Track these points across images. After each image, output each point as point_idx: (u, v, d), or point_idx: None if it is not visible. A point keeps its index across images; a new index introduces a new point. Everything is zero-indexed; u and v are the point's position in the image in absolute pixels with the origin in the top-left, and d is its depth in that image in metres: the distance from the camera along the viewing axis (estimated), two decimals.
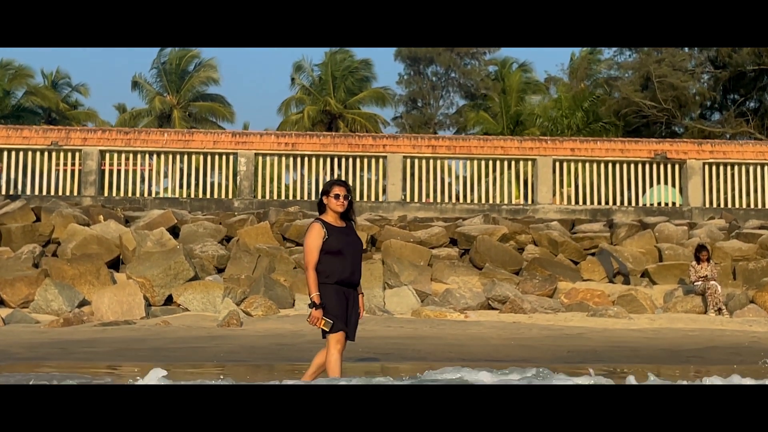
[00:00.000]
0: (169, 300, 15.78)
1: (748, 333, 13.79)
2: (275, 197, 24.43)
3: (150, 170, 24.24)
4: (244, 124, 49.55)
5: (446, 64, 47.56)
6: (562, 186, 24.28)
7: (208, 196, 23.47)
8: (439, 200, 23.36)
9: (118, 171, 23.64)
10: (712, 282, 16.44)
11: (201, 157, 23.40)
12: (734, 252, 18.90)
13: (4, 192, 22.35)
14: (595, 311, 15.56)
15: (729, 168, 23.65)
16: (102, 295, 14.92)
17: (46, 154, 22.81)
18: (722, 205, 23.32)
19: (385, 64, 73.23)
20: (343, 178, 20.40)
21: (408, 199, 23.26)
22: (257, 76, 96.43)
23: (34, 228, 18.82)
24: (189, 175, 23.67)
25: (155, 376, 5.18)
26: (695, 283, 16.72)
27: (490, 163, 23.73)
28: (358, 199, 22.19)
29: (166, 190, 23.99)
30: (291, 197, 23.97)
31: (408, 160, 23.25)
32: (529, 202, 23.72)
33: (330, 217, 6.67)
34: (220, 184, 24.85)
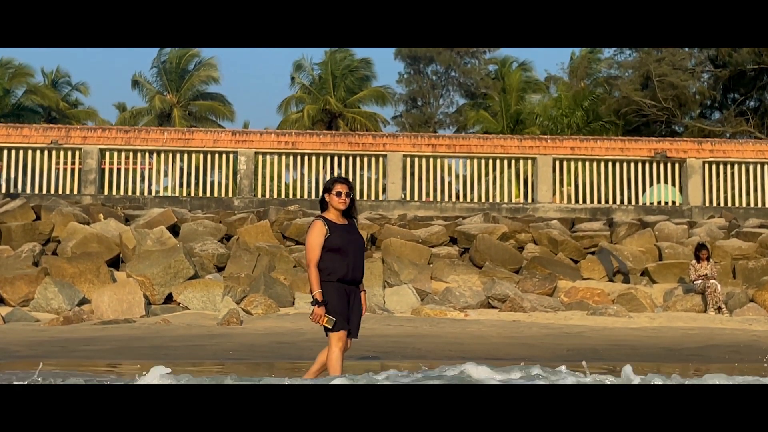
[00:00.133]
0: (169, 298, 15.78)
1: (748, 332, 13.80)
2: (275, 196, 24.43)
3: (150, 169, 24.25)
4: (244, 123, 49.55)
5: (446, 63, 47.54)
6: (562, 185, 24.28)
7: (208, 194, 23.47)
8: (439, 199, 23.37)
9: (118, 170, 23.65)
10: (712, 281, 16.45)
11: (201, 156, 23.40)
12: (734, 251, 18.91)
13: (4, 190, 22.35)
14: (595, 310, 15.57)
15: (729, 167, 23.65)
16: (102, 294, 14.92)
17: (46, 152, 22.81)
18: (722, 204, 23.32)
19: (385, 63, 73.25)
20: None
21: (408, 198, 23.27)
22: (257, 75, 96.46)
23: (34, 226, 18.83)
24: (189, 173, 23.67)
25: (156, 374, 5.18)
26: (695, 282, 16.73)
27: (490, 161, 23.74)
28: (358, 197, 22.19)
29: (166, 188, 23.99)
30: (291, 196, 23.98)
31: (408, 159, 23.26)
32: (529, 200, 23.72)
33: (332, 215, 6.67)
34: (220, 183, 24.86)
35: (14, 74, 41.88)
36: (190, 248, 17.40)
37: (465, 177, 25.04)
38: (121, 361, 9.52)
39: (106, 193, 22.99)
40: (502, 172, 23.86)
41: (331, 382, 5.24)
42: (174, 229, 19.14)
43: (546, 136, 26.16)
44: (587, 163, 23.70)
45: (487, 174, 24.06)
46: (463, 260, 18.67)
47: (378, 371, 6.42)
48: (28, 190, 22.50)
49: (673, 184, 23.67)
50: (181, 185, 23.99)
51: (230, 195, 23.76)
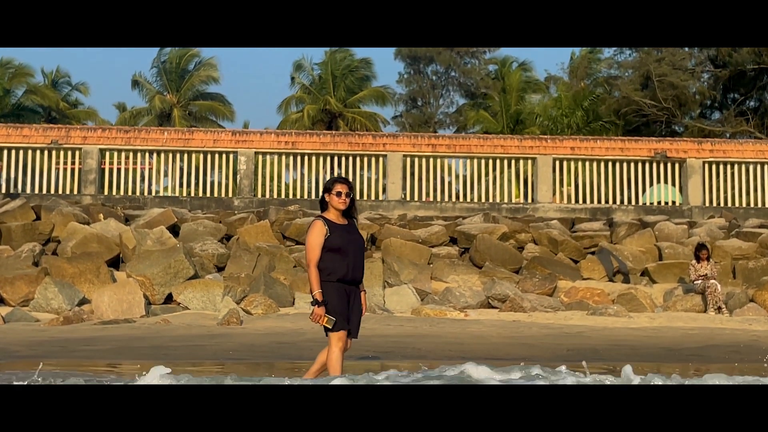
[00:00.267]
0: (169, 298, 15.78)
1: (748, 332, 13.80)
2: (275, 196, 24.44)
3: (150, 169, 24.25)
4: (244, 123, 49.55)
5: (446, 63, 47.54)
6: (562, 185, 24.28)
7: (208, 194, 23.47)
8: (439, 199, 23.37)
9: (118, 170, 23.65)
10: (712, 281, 16.45)
11: (201, 156, 23.40)
12: (734, 251, 18.91)
13: (4, 190, 22.35)
14: (595, 310, 15.57)
15: (729, 167, 23.65)
16: (102, 294, 14.92)
17: (46, 152, 22.81)
18: (722, 204, 23.32)
19: (385, 63, 73.27)
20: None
21: (408, 198, 23.27)
22: (257, 75, 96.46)
23: (34, 226, 18.83)
24: (189, 173, 23.66)
25: (156, 375, 5.18)
26: (695, 282, 16.73)
27: (490, 161, 23.74)
28: (358, 197, 22.19)
29: (166, 188, 23.99)
30: (291, 196, 23.98)
31: (408, 159, 23.26)
32: (529, 200, 23.72)
33: (332, 215, 6.67)
34: (220, 183, 24.86)
35: (14, 74, 41.89)
36: (190, 248, 17.40)
37: (465, 177, 25.05)
38: (121, 361, 9.52)
39: (106, 193, 22.99)
40: (502, 172, 23.86)
41: (331, 382, 5.24)
42: (174, 229, 19.15)
43: (546, 136, 26.16)
44: (587, 163, 23.70)
45: (487, 174, 24.06)
46: (463, 260, 18.67)
47: (378, 371, 6.42)
48: (28, 190, 22.50)
49: (673, 184, 23.67)
50: (181, 185, 23.99)
51: (230, 195, 23.76)
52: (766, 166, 23.46)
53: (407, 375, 5.88)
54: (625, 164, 23.45)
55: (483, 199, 23.55)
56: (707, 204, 23.15)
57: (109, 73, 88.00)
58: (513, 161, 23.87)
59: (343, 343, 6.53)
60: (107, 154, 23.54)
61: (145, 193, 23.54)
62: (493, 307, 16.13)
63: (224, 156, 23.65)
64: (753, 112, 34.45)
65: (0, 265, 16.45)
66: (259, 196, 23.03)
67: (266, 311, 14.66)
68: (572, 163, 24.03)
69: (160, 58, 43.49)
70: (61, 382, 5.80)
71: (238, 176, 23.08)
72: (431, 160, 23.53)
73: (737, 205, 23.36)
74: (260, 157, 23.34)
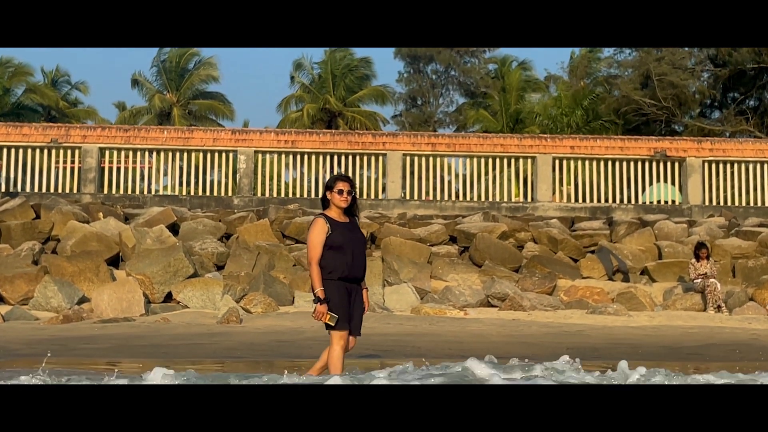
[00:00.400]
0: (168, 297, 15.78)
1: (748, 330, 13.80)
2: (275, 195, 24.42)
3: (150, 168, 24.24)
4: (243, 122, 49.53)
5: (446, 62, 47.54)
6: (561, 184, 24.28)
7: (207, 193, 23.46)
8: (438, 198, 23.36)
9: (118, 168, 23.64)
10: (712, 280, 16.45)
11: (201, 155, 23.39)
12: (734, 250, 18.91)
13: (3, 189, 22.34)
14: (595, 309, 15.57)
15: (729, 166, 23.65)
16: (101, 292, 14.92)
17: (45, 151, 22.80)
18: (722, 203, 23.32)
19: (384, 62, 73.29)
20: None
21: (408, 197, 23.26)
22: (257, 74, 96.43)
23: (33, 225, 18.82)
24: (189, 172, 23.65)
25: (158, 375, 5.18)
26: (695, 281, 16.73)
27: (490, 160, 23.73)
28: (357, 196, 22.16)
29: (165, 187, 23.98)
30: (291, 195, 23.97)
31: (408, 158, 23.25)
32: (529, 199, 23.72)
33: (333, 213, 6.66)
34: (219, 182, 24.86)
35: (14, 73, 41.87)
36: (189, 247, 17.40)
37: (465, 176, 25.04)
38: (120, 359, 9.51)
39: (105, 191, 22.98)
40: (501, 171, 23.86)
41: (327, 381, 5.24)
42: (173, 228, 19.14)
43: (546, 135, 26.15)
44: (587, 162, 23.69)
45: (486, 173, 24.05)
46: (462, 259, 18.67)
47: (379, 370, 6.41)
48: (28, 189, 22.49)
49: (673, 183, 23.67)
50: (180, 184, 23.98)
51: (230, 194, 23.76)
52: (765, 165, 23.46)
53: (410, 372, 5.87)
54: (624, 163, 23.44)
55: (483, 198, 23.55)
56: (707, 203, 23.15)
57: (108, 72, 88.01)
58: (513, 160, 23.87)
59: (344, 342, 6.53)
60: (107, 152, 23.53)
61: (145, 192, 23.53)
62: (492, 306, 16.13)
63: (224, 155, 23.64)
64: (753, 111, 34.44)
65: (0, 264, 16.45)
66: (259, 194, 23.03)
67: (266, 310, 14.65)
68: (572, 162, 24.02)
69: (159, 57, 43.46)
70: (67, 381, 5.79)
71: (237, 175, 23.07)
72: (431, 159, 23.53)
73: (737, 204, 23.36)
74: (260, 155, 23.33)
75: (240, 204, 22.21)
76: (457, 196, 25.03)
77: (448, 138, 24.71)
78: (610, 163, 23.48)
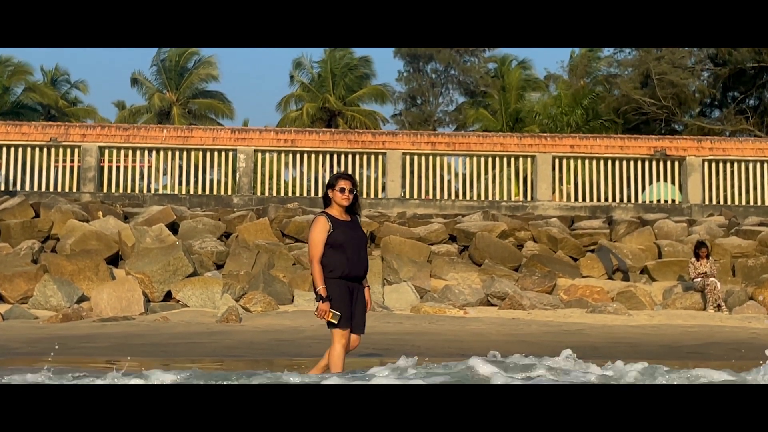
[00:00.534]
0: (168, 296, 15.77)
1: (748, 329, 13.79)
2: (274, 194, 24.40)
3: (149, 167, 24.22)
4: (243, 121, 49.48)
5: (446, 62, 47.53)
6: (561, 183, 24.27)
7: (207, 192, 23.46)
8: (438, 197, 23.36)
9: (117, 167, 23.63)
10: (712, 279, 16.44)
11: (200, 154, 23.36)
12: (733, 249, 18.90)
13: (3, 188, 22.33)
14: (594, 308, 15.56)
15: (728, 165, 23.64)
16: (101, 291, 14.91)
17: (45, 150, 22.78)
18: (722, 202, 23.31)
19: (384, 62, 73.25)
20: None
21: (407, 196, 23.25)
22: (257, 73, 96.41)
23: (33, 224, 18.80)
24: (188, 171, 23.64)
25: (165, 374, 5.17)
26: (694, 280, 16.72)
27: (490, 159, 23.72)
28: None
29: (165, 186, 23.97)
30: (290, 194, 23.95)
31: (407, 157, 23.24)
32: (529, 198, 23.71)
33: (335, 211, 6.65)
34: (219, 181, 24.85)
35: (13, 72, 41.85)
36: (189, 246, 17.39)
37: (464, 175, 25.02)
38: (120, 358, 9.50)
39: (105, 190, 22.96)
40: (501, 170, 23.85)
41: (325, 381, 5.23)
42: (173, 227, 19.13)
43: (545, 134, 26.15)
44: (587, 161, 23.69)
45: (486, 172, 24.04)
46: (462, 258, 18.66)
47: (381, 368, 6.39)
48: (27, 188, 22.48)
49: (673, 183, 23.66)
50: (180, 183, 23.97)
51: (229, 193, 23.75)
52: (765, 165, 23.45)
53: (411, 369, 5.86)
54: (624, 162, 23.43)
55: (482, 197, 23.54)
56: (707, 202, 23.14)
57: (108, 71, 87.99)
58: (512, 159, 23.86)
59: (345, 340, 6.52)
60: (106, 151, 23.51)
61: (144, 191, 23.52)
62: (492, 305, 16.12)
63: (223, 154, 23.63)
64: (753, 111, 34.42)
65: None
66: (259, 193, 23.02)
67: (265, 309, 14.64)
68: (572, 161, 24.01)
69: (159, 56, 43.43)
70: (76, 377, 5.77)
71: (237, 174, 23.06)
72: (430, 158, 23.52)
73: (737, 203, 23.35)
74: (259, 154, 23.32)
75: (239, 203, 22.20)
76: (456, 195, 25.02)
77: (447, 137, 24.70)
78: (609, 162, 23.47)
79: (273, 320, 13.71)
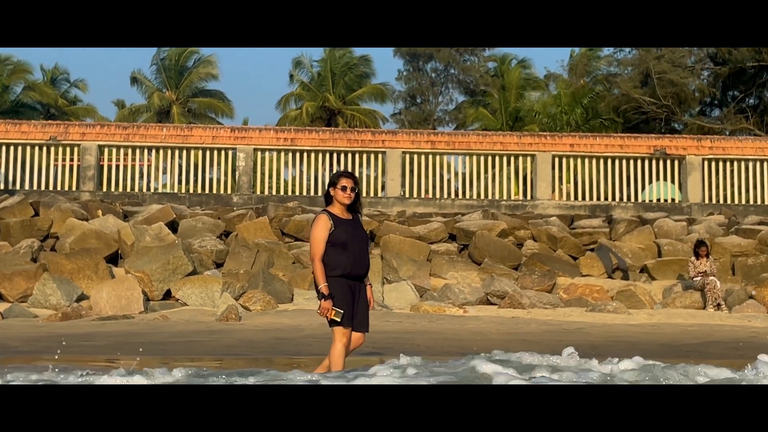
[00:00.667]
0: (167, 295, 15.76)
1: (747, 328, 13.79)
2: (274, 192, 24.39)
3: (149, 165, 24.21)
4: (243, 120, 49.46)
5: (445, 61, 47.51)
6: (561, 182, 24.26)
7: (206, 191, 23.45)
8: (438, 196, 23.35)
9: (117, 166, 23.62)
10: (711, 277, 16.44)
11: (200, 152, 23.35)
12: (733, 248, 18.90)
13: (2, 187, 22.32)
14: (594, 306, 15.55)
15: (728, 164, 23.64)
16: (100, 290, 14.90)
17: (44, 149, 22.77)
18: (721, 201, 23.31)
19: (384, 61, 73.23)
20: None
21: (407, 195, 23.24)
22: (256, 72, 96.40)
23: (32, 222, 18.80)
24: (188, 170, 23.64)
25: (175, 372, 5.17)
26: (694, 279, 16.72)
27: (489, 158, 23.71)
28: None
29: (164, 185, 23.96)
30: (290, 192, 23.94)
31: (407, 156, 23.24)
32: (528, 197, 23.71)
33: (336, 209, 6.64)
34: (218, 180, 24.83)
35: (13, 71, 41.83)
36: (188, 244, 17.38)
37: (464, 174, 25.01)
38: (119, 357, 9.49)
39: (104, 189, 22.95)
40: (501, 169, 23.84)
41: (325, 380, 5.23)
42: (173, 226, 19.12)
43: (545, 133, 26.14)
44: (586, 160, 23.68)
45: (486, 171, 24.04)
46: (462, 257, 18.66)
47: (382, 366, 6.37)
48: (27, 187, 22.47)
49: (673, 181, 23.65)
50: (179, 182, 23.96)
51: (229, 191, 23.74)
52: (765, 164, 23.44)
53: (412, 369, 5.85)
54: (624, 161, 23.42)
55: (482, 196, 23.54)
56: (706, 201, 23.14)
57: (107, 71, 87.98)
58: (512, 158, 23.85)
59: (346, 339, 6.50)
60: (106, 150, 23.50)
61: (144, 190, 23.51)
62: (492, 304, 16.12)
63: (223, 152, 23.62)
64: (752, 110, 34.41)
65: None
66: (258, 192, 23.01)
67: (265, 307, 14.64)
68: (571, 160, 24.01)
69: (159, 55, 43.41)
70: (83, 376, 5.76)
71: (237, 173, 23.05)
72: (430, 157, 23.51)
73: (736, 202, 23.35)
74: (259, 153, 23.31)
75: (239, 202, 22.19)
76: (456, 194, 25.01)
77: (447, 136, 24.70)
78: (609, 161, 23.46)
79: (272, 319, 13.70)
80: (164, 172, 23.85)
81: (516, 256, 18.54)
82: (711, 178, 23.51)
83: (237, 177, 23.02)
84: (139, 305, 14.69)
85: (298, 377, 5.66)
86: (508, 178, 23.99)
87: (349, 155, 23.18)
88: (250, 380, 5.53)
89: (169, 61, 43.05)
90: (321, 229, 6.50)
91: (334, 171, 22.69)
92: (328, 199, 6.68)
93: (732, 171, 23.63)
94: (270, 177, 24.98)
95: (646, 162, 23.46)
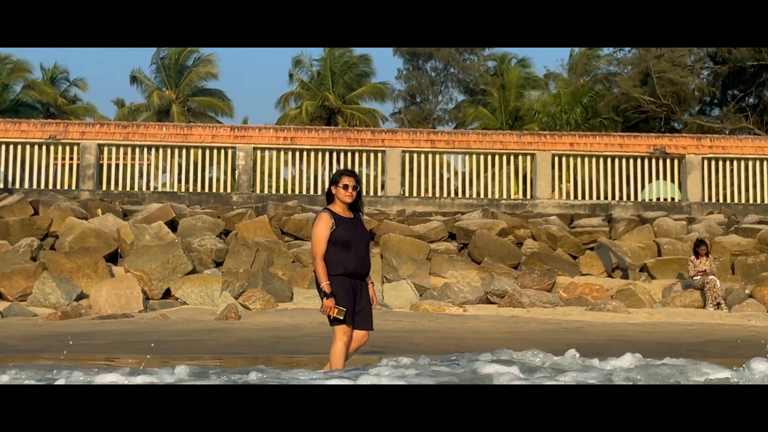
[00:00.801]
0: (167, 293, 15.76)
1: (747, 327, 13.79)
2: (274, 191, 24.38)
3: (148, 164, 24.20)
4: (243, 119, 49.45)
5: (445, 60, 47.49)
6: (561, 181, 24.25)
7: (206, 190, 23.43)
8: (437, 195, 23.34)
9: (117, 165, 23.61)
10: (711, 277, 16.44)
11: (199, 151, 23.34)
12: (733, 247, 18.90)
13: (2, 185, 22.31)
14: (594, 305, 15.55)
15: (728, 163, 23.64)
16: (100, 289, 14.90)
17: (44, 147, 22.76)
18: (721, 200, 23.30)
19: (384, 60, 73.12)
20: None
21: (407, 194, 23.23)
22: (256, 72, 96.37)
23: (32, 221, 18.80)
24: (187, 169, 23.63)
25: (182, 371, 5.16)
26: (694, 278, 16.72)
27: (489, 157, 23.71)
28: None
29: (164, 184, 23.95)
30: (289, 191, 23.93)
31: (407, 155, 23.23)
32: (528, 196, 23.70)
33: (338, 208, 6.63)
34: (218, 179, 24.82)
35: (12, 70, 41.82)
36: (188, 243, 17.38)
37: (464, 173, 25.01)
38: (119, 355, 9.49)
39: (104, 188, 22.94)
40: (501, 168, 23.84)
41: (325, 378, 5.22)
42: (172, 225, 19.11)
43: (545, 132, 26.13)
44: (586, 159, 23.68)
45: (485, 170, 24.03)
46: (461, 256, 18.66)
47: (383, 365, 6.38)
48: (26, 185, 22.46)
49: (672, 181, 23.65)
50: (179, 181, 23.95)
51: (229, 190, 23.73)
52: (765, 163, 23.44)
53: (412, 369, 5.85)
54: (624, 160, 23.42)
55: (482, 195, 23.54)
56: (706, 200, 23.13)
57: (107, 70, 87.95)
58: (512, 157, 23.85)
59: (347, 338, 6.50)
60: (105, 149, 23.49)
61: (144, 189, 23.50)
62: (491, 303, 16.12)
63: (223, 151, 23.62)
64: (752, 109, 34.40)
65: None
66: (258, 191, 23.00)
67: (264, 306, 14.63)
68: (571, 159, 24.01)
69: (159, 54, 43.42)
70: (94, 375, 5.75)
71: (236, 172, 23.04)
72: (430, 155, 23.51)
73: (736, 201, 23.35)
74: (259, 152, 23.30)
75: (239, 201, 22.18)
76: (456, 193, 25.00)
77: (447, 135, 24.70)
78: (609, 160, 23.46)
79: (272, 318, 13.70)
80: (164, 171, 23.85)
81: (516, 255, 18.54)
82: (711, 178, 23.50)
83: (236, 176, 23.01)
84: (139, 304, 14.69)
85: (299, 375, 5.66)
86: (508, 177, 23.98)
87: (349, 154, 23.17)
88: (252, 376, 5.53)
89: (168, 60, 43.05)
90: (322, 228, 6.50)
91: (334, 170, 22.70)
92: (330, 197, 6.67)
93: (732, 170, 23.63)
94: (270, 176, 24.97)
95: (646, 161, 23.46)
